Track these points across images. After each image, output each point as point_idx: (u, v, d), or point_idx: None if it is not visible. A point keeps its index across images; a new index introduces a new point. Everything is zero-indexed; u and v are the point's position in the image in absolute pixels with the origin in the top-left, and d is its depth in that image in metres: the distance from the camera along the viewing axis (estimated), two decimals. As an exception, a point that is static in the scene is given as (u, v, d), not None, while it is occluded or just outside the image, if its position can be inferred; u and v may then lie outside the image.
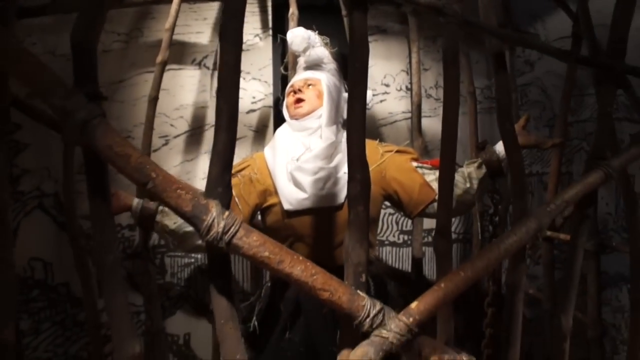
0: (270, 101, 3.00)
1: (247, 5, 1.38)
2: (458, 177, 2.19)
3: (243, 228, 1.21)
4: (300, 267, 1.26)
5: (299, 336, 2.06)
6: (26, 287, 2.64)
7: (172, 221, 2.10)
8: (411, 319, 1.33)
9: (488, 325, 2.37)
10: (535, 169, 3.55)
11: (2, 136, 1.19)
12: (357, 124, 1.44)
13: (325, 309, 2.03)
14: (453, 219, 3.29)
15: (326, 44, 2.36)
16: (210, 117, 2.88)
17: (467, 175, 2.18)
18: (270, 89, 3.00)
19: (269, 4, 3.04)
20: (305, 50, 2.29)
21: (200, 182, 2.79)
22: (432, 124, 3.22)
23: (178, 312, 2.92)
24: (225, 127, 1.27)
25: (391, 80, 3.25)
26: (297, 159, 2.06)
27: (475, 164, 2.19)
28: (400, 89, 3.27)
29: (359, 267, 1.41)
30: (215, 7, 2.93)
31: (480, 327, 2.55)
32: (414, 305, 1.37)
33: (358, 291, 1.34)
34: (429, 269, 3.28)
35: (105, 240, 1.24)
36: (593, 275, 2.64)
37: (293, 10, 2.76)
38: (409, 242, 3.24)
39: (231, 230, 1.20)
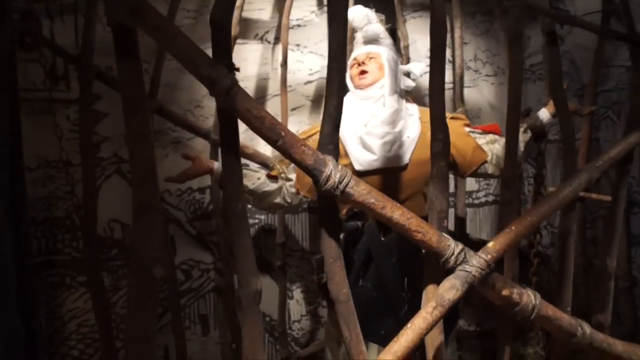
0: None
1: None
2: (507, 141, 2.42)
3: (353, 179, 1.45)
4: (399, 212, 1.49)
5: (371, 283, 2.29)
6: (106, 246, 2.86)
7: (251, 182, 2.32)
8: (489, 256, 1.56)
9: (534, 274, 2.58)
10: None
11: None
12: (438, 91, 1.66)
13: (394, 258, 2.28)
14: (490, 181, 3.54)
15: (381, 20, 2.55)
16: (272, 88, 3.10)
17: (515, 139, 2.40)
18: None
19: (324, -17, 3.21)
20: (364, 26, 2.48)
21: (263, 147, 2.97)
22: (472, 94, 3.43)
23: (243, 270, 3.13)
24: (335, 94, 1.52)
25: (435, 53, 3.44)
26: (365, 124, 2.28)
27: (522, 129, 2.39)
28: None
29: (442, 214, 1.65)
30: (275, -15, 3.13)
31: (523, 277, 2.76)
32: (490, 244, 1.60)
33: (443, 233, 1.57)
34: (471, 228, 3.51)
35: (235, 190, 1.46)
36: (623, 231, 2.82)
37: (351, -11, 2.94)
38: (452, 203, 3.46)
39: (345, 180, 1.43)
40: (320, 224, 1.57)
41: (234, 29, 2.75)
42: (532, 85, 3.61)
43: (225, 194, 1.47)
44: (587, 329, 1.80)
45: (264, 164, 2.80)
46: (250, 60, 3.09)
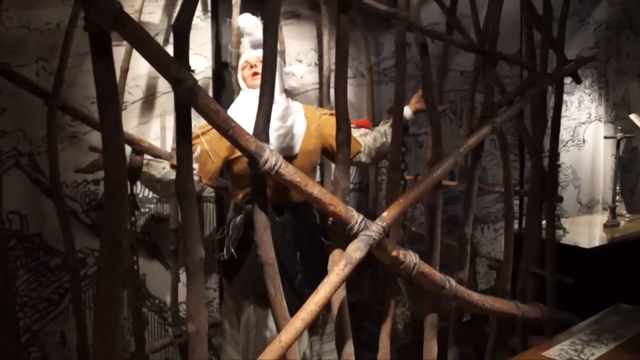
0: (209, 73, 3.45)
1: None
2: (376, 134, 2.87)
3: (284, 162, 1.78)
4: (317, 189, 1.84)
5: (269, 258, 2.63)
6: (4, 237, 2.86)
7: (157, 171, 2.54)
8: (385, 223, 1.95)
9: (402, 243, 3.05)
10: (411, 130, 4.31)
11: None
12: (342, 90, 2.04)
13: (287, 235, 2.63)
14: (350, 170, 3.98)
15: (266, 27, 2.88)
16: (162, 86, 3.28)
17: (384, 132, 2.84)
18: (209, 63, 3.45)
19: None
20: (253, 32, 2.79)
21: (153, 141, 3.20)
22: (336, 93, 3.88)
23: (135, 256, 3.32)
24: (268, 92, 1.83)
25: (303, 57, 3.83)
26: None
27: (388, 124, 2.84)
28: (311, 64, 3.86)
29: (345, 191, 2.04)
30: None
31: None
32: (385, 214, 2.00)
33: (347, 206, 1.95)
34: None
35: (187, 172, 1.71)
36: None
37: (236, -3, 3.24)
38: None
39: (278, 163, 1.76)
40: (253, 200, 1.89)
41: (134, 32, 2.95)
42: (384, 87, 4.12)
43: (178, 175, 1.69)
44: (453, 282, 2.26)
45: (157, 156, 3.01)
46: (141, 60, 3.19)
